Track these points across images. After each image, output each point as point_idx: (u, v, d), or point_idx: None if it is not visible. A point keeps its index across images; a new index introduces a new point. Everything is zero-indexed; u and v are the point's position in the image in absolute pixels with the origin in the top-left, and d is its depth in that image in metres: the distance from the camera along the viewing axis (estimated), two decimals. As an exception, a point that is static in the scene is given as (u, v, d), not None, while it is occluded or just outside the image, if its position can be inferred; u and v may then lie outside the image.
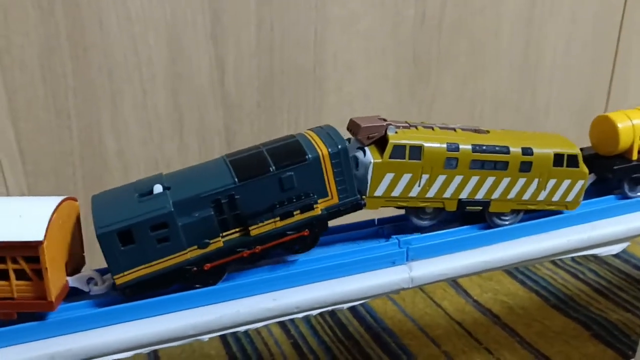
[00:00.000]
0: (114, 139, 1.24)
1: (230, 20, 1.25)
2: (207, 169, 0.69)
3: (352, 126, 0.77)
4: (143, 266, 0.64)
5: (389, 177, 0.73)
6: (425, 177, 0.74)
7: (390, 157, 0.72)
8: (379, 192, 0.73)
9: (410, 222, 0.78)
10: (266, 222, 0.67)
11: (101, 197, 0.68)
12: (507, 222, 0.79)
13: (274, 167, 0.67)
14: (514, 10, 1.49)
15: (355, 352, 1.21)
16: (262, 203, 0.67)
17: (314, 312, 0.70)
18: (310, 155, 0.68)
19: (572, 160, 0.79)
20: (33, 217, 0.62)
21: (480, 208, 0.77)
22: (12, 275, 0.61)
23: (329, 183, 0.69)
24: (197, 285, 0.67)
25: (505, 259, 0.77)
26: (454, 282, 1.43)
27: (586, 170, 0.80)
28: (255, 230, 0.67)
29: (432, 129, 0.76)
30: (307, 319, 1.31)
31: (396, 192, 0.74)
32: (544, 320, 1.29)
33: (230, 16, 1.25)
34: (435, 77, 1.48)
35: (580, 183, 0.80)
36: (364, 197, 0.73)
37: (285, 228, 0.68)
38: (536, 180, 0.78)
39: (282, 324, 1.29)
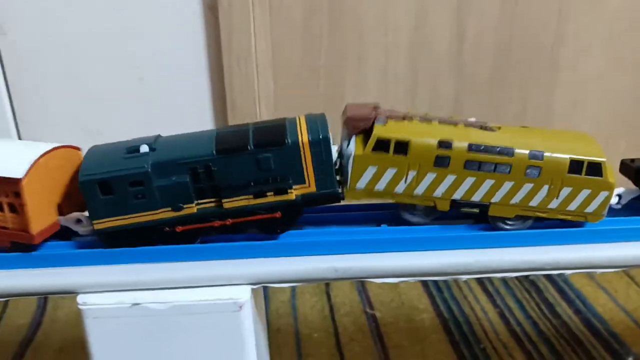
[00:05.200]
0: (354, 97, 1.34)
1: (476, -7, 1.29)
2: (196, 138, 0.71)
3: (344, 113, 0.73)
4: (119, 217, 0.69)
5: (371, 170, 0.69)
6: (412, 173, 0.70)
7: (373, 150, 0.69)
8: (360, 184, 0.70)
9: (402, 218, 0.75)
10: (240, 198, 0.69)
11: (95, 149, 0.73)
12: (510, 228, 0.73)
13: (252, 146, 0.67)
14: None
15: (563, 332, 1.21)
16: (238, 178, 0.68)
17: (568, 272, 0.73)
18: (289, 140, 0.67)
19: (594, 169, 0.70)
20: (22, 157, 0.69)
21: (477, 210, 0.73)
22: (5, 207, 0.69)
23: (307, 171, 0.69)
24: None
25: None
26: (673, 281, 1.36)
27: (613, 180, 0.70)
28: (228, 204, 0.69)
29: (430, 122, 0.71)
30: (513, 292, 1.33)
31: (380, 187, 0.70)
32: None
33: (477, -11, 1.29)
34: (680, 65, 1.39)
35: (603, 194, 0.71)
36: (345, 188, 0.71)
37: (257, 207, 0.70)
38: (546, 186, 0.70)
39: (488, 294, 1.33)
